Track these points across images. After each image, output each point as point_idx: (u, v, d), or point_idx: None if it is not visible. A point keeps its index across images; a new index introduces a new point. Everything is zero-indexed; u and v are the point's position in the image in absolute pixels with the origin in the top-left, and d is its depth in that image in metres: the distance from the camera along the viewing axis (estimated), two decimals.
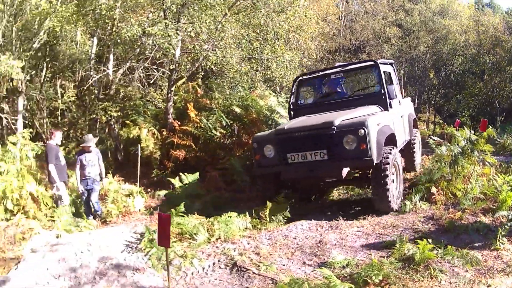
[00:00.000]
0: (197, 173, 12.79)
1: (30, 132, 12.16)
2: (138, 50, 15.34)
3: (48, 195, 10.39)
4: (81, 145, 10.92)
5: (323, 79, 11.11)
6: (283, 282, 4.97)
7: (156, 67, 16.64)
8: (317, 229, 7.61)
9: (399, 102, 10.45)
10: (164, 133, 14.04)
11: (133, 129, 14.13)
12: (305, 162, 8.36)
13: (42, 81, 15.20)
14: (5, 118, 12.99)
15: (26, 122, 14.11)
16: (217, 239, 7.48)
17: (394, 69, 10.93)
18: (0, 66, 10.77)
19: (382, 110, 9.18)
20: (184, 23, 13.96)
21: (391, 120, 9.11)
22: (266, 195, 9.13)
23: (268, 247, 6.76)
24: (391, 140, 8.67)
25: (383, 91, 9.30)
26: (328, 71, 10.85)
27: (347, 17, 32.09)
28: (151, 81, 17.12)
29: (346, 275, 5.10)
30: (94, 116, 15.51)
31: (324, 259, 6.00)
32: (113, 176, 12.91)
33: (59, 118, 16.44)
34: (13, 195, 9.63)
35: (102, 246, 7.73)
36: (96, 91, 15.52)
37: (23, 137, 11.71)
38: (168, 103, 14.61)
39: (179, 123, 13.91)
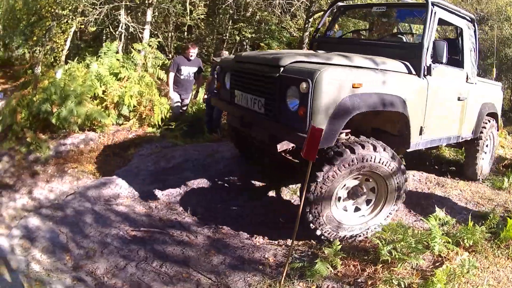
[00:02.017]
0: None
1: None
2: None
3: (167, 105, 9.60)
4: (213, 59, 10.23)
5: (363, 10, 8.08)
6: (389, 224, 4.84)
7: None
8: (426, 183, 7.12)
9: (467, 78, 6.45)
10: None
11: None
12: (244, 108, 5.47)
13: None
14: (133, 27, 12.46)
15: (151, 34, 13.56)
16: None
17: (474, 30, 6.73)
18: None
19: (408, 73, 5.26)
20: None
21: (412, 91, 5.16)
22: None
23: None
24: (403, 125, 5.23)
25: (422, 45, 5.30)
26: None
27: None
28: (289, 10, 15.80)
29: (443, 232, 4.95)
30: (225, 35, 14.95)
31: (427, 212, 5.70)
32: None
33: (185, 33, 15.88)
34: (130, 101, 8.99)
35: (220, 158, 7.24)
36: (231, 11, 14.90)
37: (149, 45, 11.14)
38: (304, 33, 13.84)
39: None
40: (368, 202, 5.12)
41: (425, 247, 4.39)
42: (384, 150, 4.75)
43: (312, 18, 13.76)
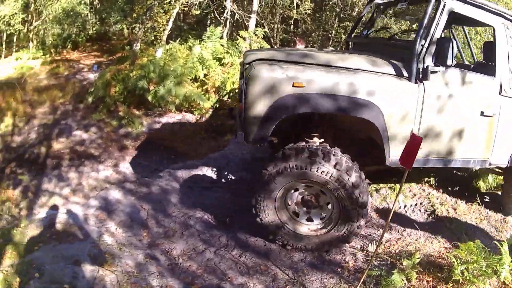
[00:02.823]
0: None
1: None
2: None
3: None
4: None
5: (391, 6, 6.81)
6: (466, 243, 4.64)
7: None
8: None
9: (501, 89, 4.97)
10: None
11: None
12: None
13: None
14: (238, 14, 12.27)
15: (257, 23, 13.36)
16: (426, 182, 6.64)
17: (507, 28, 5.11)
18: None
19: (396, 75, 4.37)
20: None
21: (394, 96, 4.28)
22: None
23: (465, 206, 6.10)
24: (378, 135, 4.37)
25: (414, 43, 4.31)
26: None
27: None
28: (394, 14, 15.23)
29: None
30: (331, 32, 14.50)
31: (500, 236, 5.56)
32: None
33: (291, 27, 15.74)
34: (232, 87, 8.71)
35: None
36: (337, 9, 14.34)
37: (255, 34, 10.91)
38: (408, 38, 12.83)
39: None
40: (323, 217, 4.57)
41: (493, 272, 4.27)
42: (335, 161, 4.15)
43: (415, 24, 12.76)
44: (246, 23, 12.02)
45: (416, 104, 4.35)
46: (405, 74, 4.36)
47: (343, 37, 13.61)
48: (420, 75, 4.34)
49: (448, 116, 4.54)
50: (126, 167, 7.02)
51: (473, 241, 4.66)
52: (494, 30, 4.95)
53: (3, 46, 18.56)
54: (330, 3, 14.23)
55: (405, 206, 5.92)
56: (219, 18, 12.29)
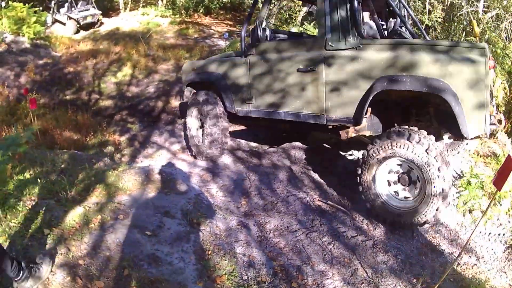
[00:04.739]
0: None
1: None
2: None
3: None
4: None
5: None
6: None
7: None
8: None
9: (325, 44, 4.79)
10: None
11: None
12: None
13: None
14: None
15: None
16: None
17: None
18: None
19: (238, 56, 6.11)
20: None
21: (232, 68, 6.16)
22: None
23: None
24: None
25: (243, 30, 6.18)
26: None
27: None
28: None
29: None
30: None
31: None
32: None
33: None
34: None
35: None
36: (464, 23, 13.93)
37: None
38: None
39: None
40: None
41: None
42: (206, 100, 6.29)
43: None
44: None
45: (246, 71, 5.84)
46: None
47: None
48: (246, 52, 5.84)
49: (267, 76, 5.56)
50: (242, 136, 7.12)
51: None
52: None
53: None
54: (458, 14, 13.84)
55: (489, 233, 5.65)
56: None
